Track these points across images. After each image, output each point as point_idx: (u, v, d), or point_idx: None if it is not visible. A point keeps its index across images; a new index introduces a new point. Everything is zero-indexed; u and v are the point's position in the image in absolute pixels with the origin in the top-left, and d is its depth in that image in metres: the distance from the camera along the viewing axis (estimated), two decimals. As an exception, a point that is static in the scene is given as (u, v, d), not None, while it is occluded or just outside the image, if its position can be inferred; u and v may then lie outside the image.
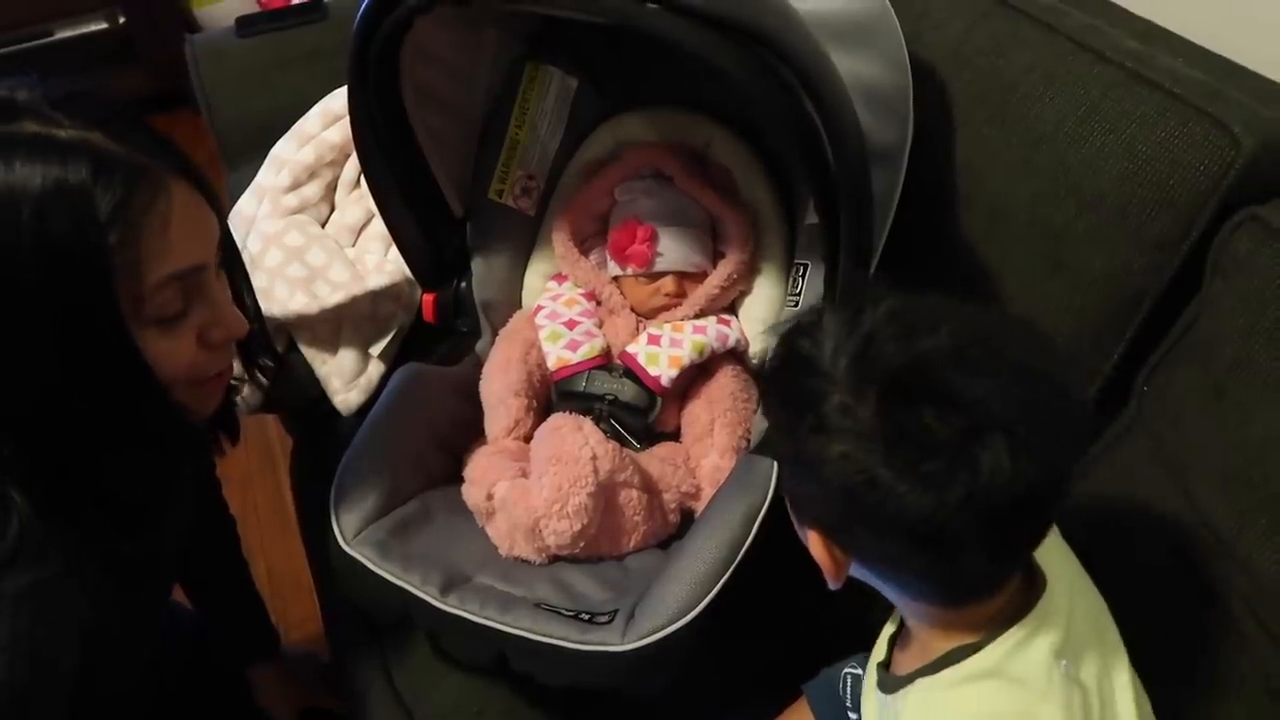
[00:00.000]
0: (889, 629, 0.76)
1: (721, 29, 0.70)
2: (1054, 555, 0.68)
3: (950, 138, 0.98)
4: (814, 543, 0.63)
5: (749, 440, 1.00)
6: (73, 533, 0.71)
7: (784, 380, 0.62)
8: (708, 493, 0.96)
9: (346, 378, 1.20)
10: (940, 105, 0.98)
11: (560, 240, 1.08)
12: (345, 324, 1.20)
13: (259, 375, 0.91)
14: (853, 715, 0.86)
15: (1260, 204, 0.77)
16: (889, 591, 0.66)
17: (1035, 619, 0.63)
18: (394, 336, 1.21)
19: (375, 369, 1.22)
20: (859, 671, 0.88)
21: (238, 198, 1.38)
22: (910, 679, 0.67)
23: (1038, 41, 0.93)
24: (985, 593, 0.63)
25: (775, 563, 0.82)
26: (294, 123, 1.38)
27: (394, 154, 0.99)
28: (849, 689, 0.88)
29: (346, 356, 1.20)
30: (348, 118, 1.27)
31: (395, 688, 1.02)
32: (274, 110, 1.49)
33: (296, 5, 1.90)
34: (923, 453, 0.54)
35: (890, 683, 0.71)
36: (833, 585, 0.65)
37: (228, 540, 1.16)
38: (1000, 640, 0.63)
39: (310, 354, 1.22)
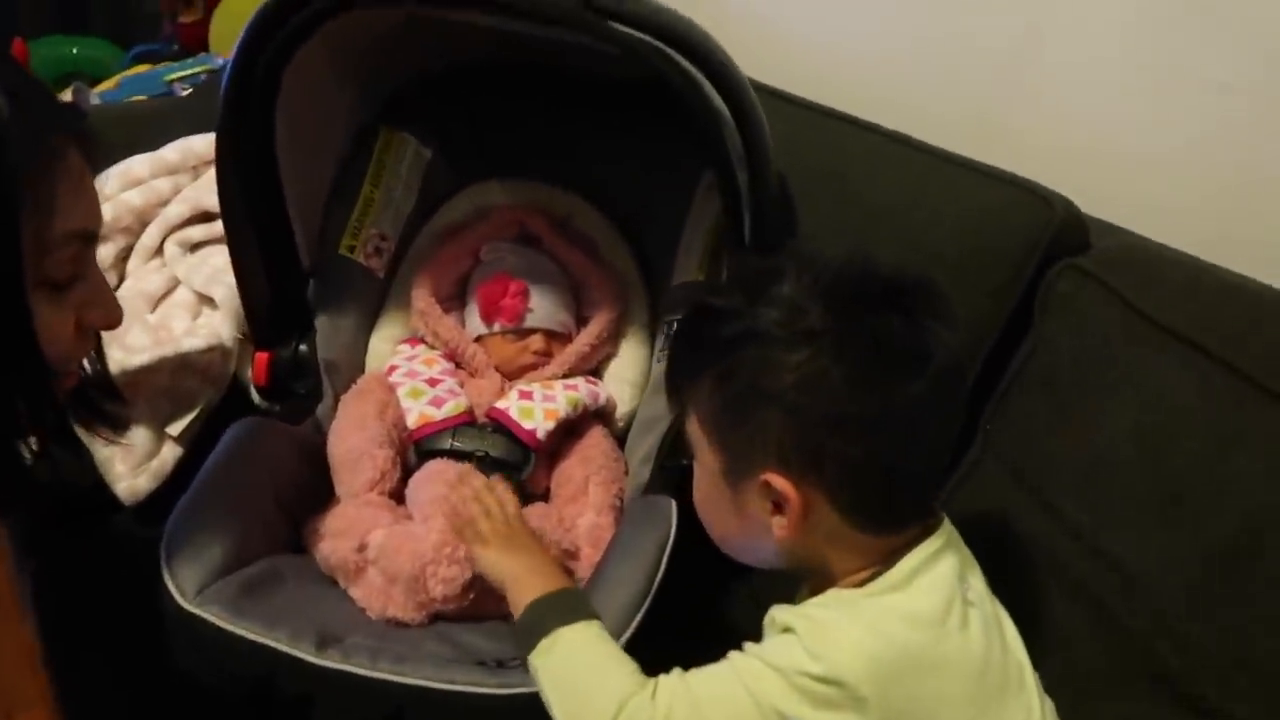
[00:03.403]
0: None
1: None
2: None
3: (792, 216, 1.08)
4: (776, 482, 0.62)
5: (622, 500, 0.97)
6: None
7: (710, 328, 0.65)
8: (588, 552, 0.92)
9: (135, 461, 1.03)
10: (781, 188, 1.09)
11: (421, 297, 1.03)
12: (139, 398, 1.04)
13: (103, 429, 0.81)
14: None
15: (1074, 255, 0.92)
16: (826, 529, 0.64)
17: (942, 536, 0.67)
18: (197, 415, 1.06)
19: (170, 452, 1.05)
20: None
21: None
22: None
23: (859, 137, 1.08)
24: (930, 500, 0.68)
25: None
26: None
27: (253, 191, 0.92)
28: None
29: (137, 436, 1.03)
30: (151, 182, 1.18)
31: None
32: None
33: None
34: (876, 341, 0.60)
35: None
36: (782, 535, 0.64)
37: None
38: (911, 554, 0.65)
39: (89, 433, 1.03)
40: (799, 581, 0.74)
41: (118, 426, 0.82)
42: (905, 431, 0.61)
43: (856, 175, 1.05)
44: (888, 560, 0.65)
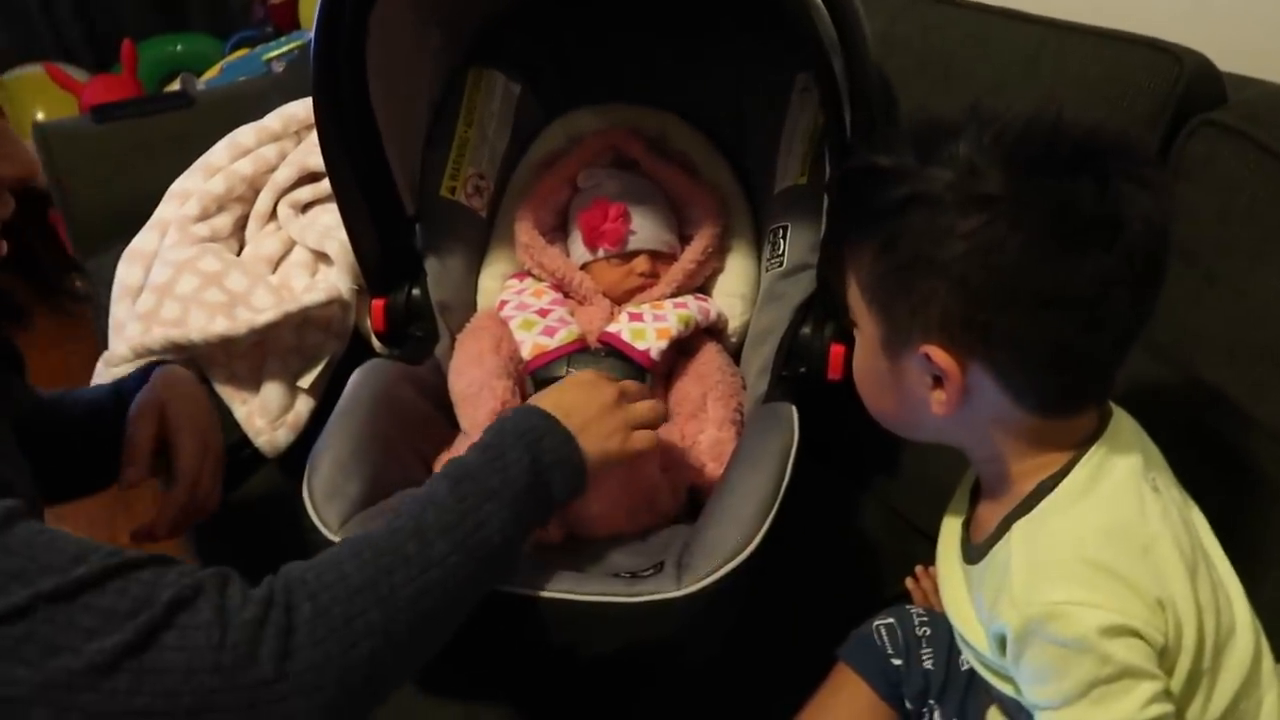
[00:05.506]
0: (965, 485, 0.73)
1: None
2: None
3: (895, 110, 1.03)
4: (936, 355, 0.59)
5: (742, 414, 0.96)
6: None
7: (875, 190, 0.60)
8: (711, 467, 0.91)
9: (272, 415, 1.08)
10: (881, 81, 1.04)
11: (524, 230, 1.03)
12: (269, 356, 1.09)
13: (63, 301, 0.76)
14: (895, 660, 0.82)
15: (1209, 111, 0.85)
16: (992, 409, 0.61)
17: (1110, 438, 0.62)
18: (324, 367, 1.10)
19: (304, 404, 1.10)
20: (891, 621, 0.84)
21: (97, 286, 1.26)
22: (1000, 531, 0.64)
23: (961, 18, 1.02)
24: (1108, 385, 0.62)
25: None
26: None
27: (353, 144, 0.93)
28: (885, 638, 0.83)
29: (272, 392, 1.08)
30: (258, 150, 1.21)
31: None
32: (134, 195, 1.38)
33: (160, 95, 1.82)
34: (1061, 209, 0.54)
35: (976, 550, 0.67)
36: (941, 413, 0.61)
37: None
38: (1083, 462, 0.61)
39: (227, 394, 1.08)
40: (947, 478, 0.71)
41: (76, 298, 0.78)
42: (1086, 310, 0.55)
43: (962, 58, 0.99)
44: (1058, 443, 0.61)
